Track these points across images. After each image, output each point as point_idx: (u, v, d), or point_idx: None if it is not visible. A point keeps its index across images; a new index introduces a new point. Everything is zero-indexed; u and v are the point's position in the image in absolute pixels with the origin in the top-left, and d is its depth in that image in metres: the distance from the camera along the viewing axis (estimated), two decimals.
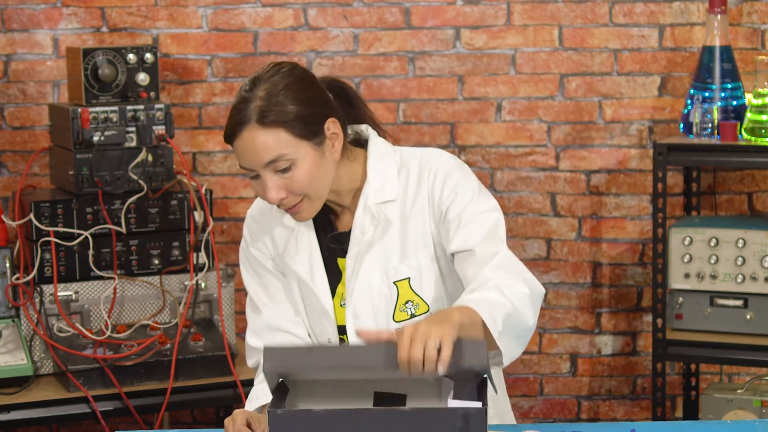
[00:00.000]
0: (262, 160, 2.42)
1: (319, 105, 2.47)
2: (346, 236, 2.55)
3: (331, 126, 2.47)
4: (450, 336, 2.17)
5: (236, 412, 2.32)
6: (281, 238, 2.60)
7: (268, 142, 2.41)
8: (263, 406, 2.49)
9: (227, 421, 2.31)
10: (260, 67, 2.52)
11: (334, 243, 2.57)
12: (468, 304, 2.34)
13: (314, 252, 2.56)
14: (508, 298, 2.42)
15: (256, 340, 2.63)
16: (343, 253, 2.54)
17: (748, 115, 3.81)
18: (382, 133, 2.64)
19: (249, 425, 2.30)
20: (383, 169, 2.55)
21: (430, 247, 2.53)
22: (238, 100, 2.45)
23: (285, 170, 2.43)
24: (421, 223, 2.53)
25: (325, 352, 2.17)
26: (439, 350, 2.13)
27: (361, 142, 2.60)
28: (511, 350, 2.42)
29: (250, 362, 2.66)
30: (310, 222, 2.57)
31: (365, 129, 2.60)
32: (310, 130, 2.44)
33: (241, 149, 2.43)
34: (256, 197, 2.65)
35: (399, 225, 2.52)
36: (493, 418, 2.62)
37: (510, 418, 2.72)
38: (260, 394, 2.54)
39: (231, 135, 2.44)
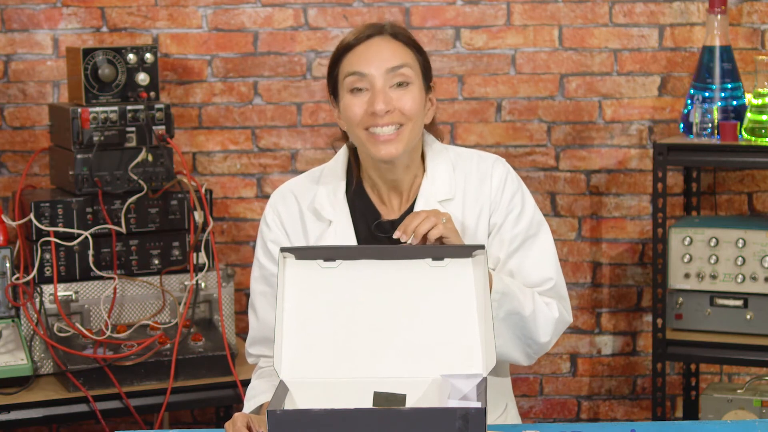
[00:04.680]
0: (388, 63, 2.46)
1: (430, 66, 2.56)
2: (391, 225, 2.55)
3: (433, 90, 2.55)
4: (452, 231, 2.33)
5: (236, 415, 2.33)
6: (315, 230, 2.56)
7: (399, 50, 2.47)
8: (261, 406, 2.50)
9: (227, 425, 2.31)
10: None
11: (379, 231, 2.56)
12: (494, 275, 2.38)
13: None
14: (533, 304, 2.46)
15: (252, 349, 2.65)
16: (389, 242, 2.53)
17: (748, 115, 3.81)
18: (437, 132, 2.66)
19: (249, 428, 2.31)
20: (440, 167, 2.57)
21: None
22: (364, 25, 2.51)
23: (400, 84, 2.47)
24: (475, 225, 2.54)
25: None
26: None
27: None
28: (506, 343, 2.45)
29: (249, 360, 2.67)
30: (348, 214, 2.55)
31: None
32: (427, 69, 2.53)
33: (366, 53, 2.46)
34: (279, 188, 2.62)
35: (457, 225, 2.52)
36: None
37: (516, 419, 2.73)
38: (257, 393, 2.54)
39: (357, 40, 2.48)
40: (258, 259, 2.61)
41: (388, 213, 2.56)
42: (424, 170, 2.56)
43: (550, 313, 2.51)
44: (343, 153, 2.62)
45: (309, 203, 2.56)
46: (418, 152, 2.56)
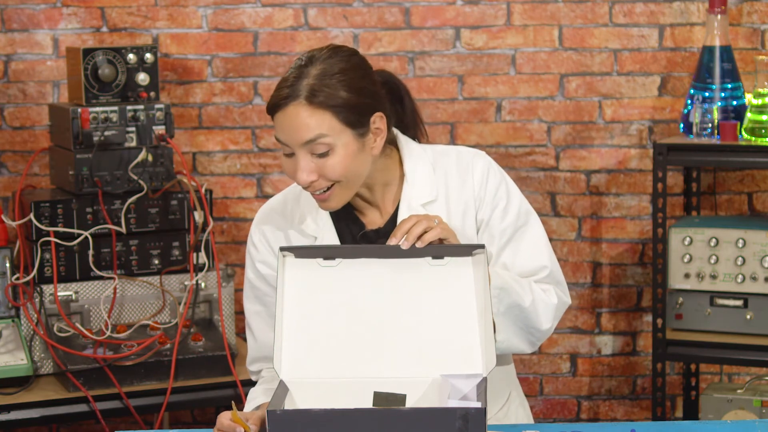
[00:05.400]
0: (301, 138, 2.37)
1: (370, 97, 2.43)
2: (375, 234, 2.54)
3: (378, 120, 2.44)
4: (448, 231, 2.31)
5: (220, 415, 2.33)
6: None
7: (312, 122, 2.37)
8: (259, 407, 2.50)
9: (214, 430, 2.32)
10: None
11: (365, 241, 2.53)
12: (491, 271, 2.37)
13: None
14: (531, 294, 2.46)
15: (252, 367, 2.66)
16: None
17: (748, 115, 3.81)
18: (422, 132, 2.63)
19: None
20: (420, 169, 2.54)
21: None
22: (290, 74, 2.40)
23: (321, 155, 2.38)
24: (461, 223, 2.53)
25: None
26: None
27: (391, 140, 2.56)
28: (509, 337, 2.45)
29: (253, 378, 2.67)
30: (333, 228, 2.53)
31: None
32: (356, 119, 2.40)
33: (282, 123, 2.39)
34: (261, 208, 2.62)
35: None
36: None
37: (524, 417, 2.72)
38: (256, 395, 2.54)
39: (275, 107, 2.39)
40: (249, 280, 2.60)
41: (372, 222, 2.55)
42: (402, 174, 2.55)
43: (548, 299, 2.50)
44: None
45: (293, 221, 2.56)
46: (381, 169, 2.52)
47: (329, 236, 2.52)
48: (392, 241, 2.30)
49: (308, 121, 2.37)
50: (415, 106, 2.62)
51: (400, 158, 2.56)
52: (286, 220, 2.57)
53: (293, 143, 2.39)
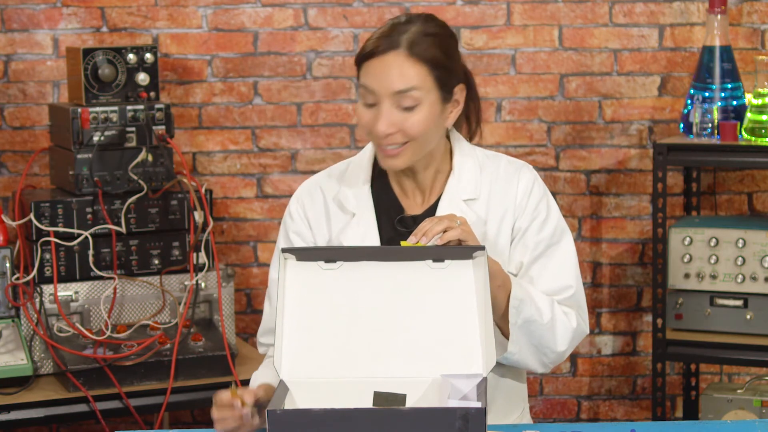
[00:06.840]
0: (394, 86, 2.42)
1: (458, 65, 2.51)
2: (413, 220, 2.55)
3: (458, 92, 2.51)
4: (469, 234, 2.31)
5: (217, 393, 2.34)
6: (338, 222, 2.58)
7: (409, 72, 2.42)
8: (260, 386, 2.50)
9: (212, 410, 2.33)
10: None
11: (401, 225, 2.56)
12: (513, 281, 2.41)
13: (373, 239, 2.55)
14: (551, 312, 2.46)
15: (263, 338, 2.66)
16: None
17: (748, 115, 3.81)
18: (478, 132, 2.68)
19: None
20: (468, 166, 2.58)
21: (504, 254, 2.55)
22: (388, 28, 2.45)
23: (407, 108, 2.43)
24: (497, 227, 2.55)
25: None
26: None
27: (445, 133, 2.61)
28: (522, 350, 2.45)
29: (260, 350, 2.67)
30: (372, 207, 2.56)
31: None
32: (445, 82, 2.47)
33: (377, 70, 2.42)
34: (306, 181, 2.64)
35: (477, 226, 2.52)
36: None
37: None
38: (259, 376, 2.56)
39: (371, 53, 2.43)
40: (279, 248, 2.62)
41: (412, 208, 2.57)
42: (451, 168, 2.57)
43: (568, 322, 2.51)
44: (369, 147, 2.63)
45: (334, 195, 2.59)
46: (440, 151, 2.57)
47: (367, 215, 2.55)
48: (411, 240, 2.32)
49: (406, 71, 2.42)
50: (479, 103, 2.66)
51: (451, 152, 2.59)
52: (328, 193, 2.60)
53: (383, 91, 2.42)
